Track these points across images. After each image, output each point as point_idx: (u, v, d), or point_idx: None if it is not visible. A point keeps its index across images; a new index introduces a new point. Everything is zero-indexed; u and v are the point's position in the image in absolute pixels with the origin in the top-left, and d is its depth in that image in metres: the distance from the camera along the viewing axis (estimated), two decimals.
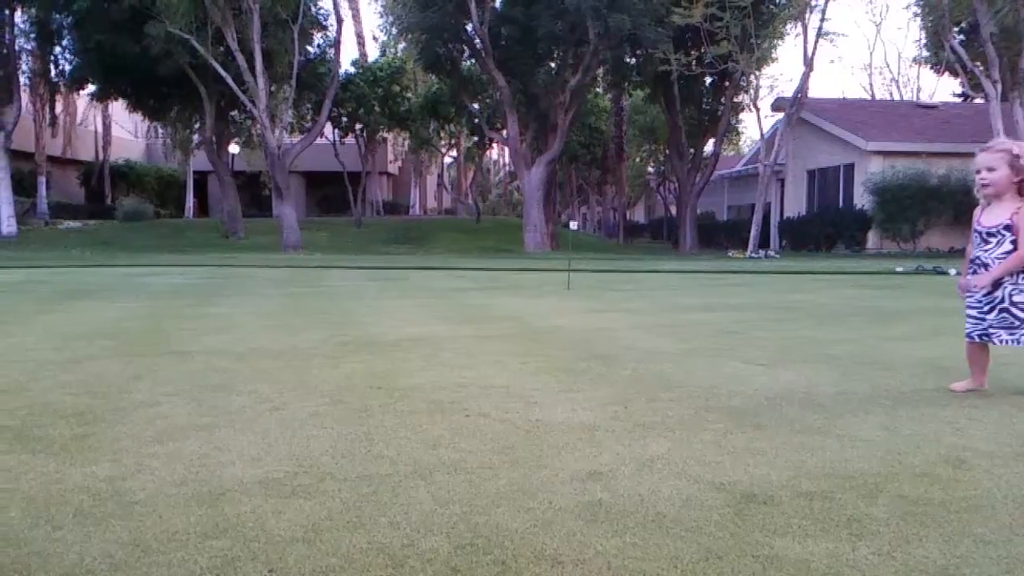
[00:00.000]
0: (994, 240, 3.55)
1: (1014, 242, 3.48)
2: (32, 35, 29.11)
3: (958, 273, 3.33)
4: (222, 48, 24.22)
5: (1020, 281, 3.50)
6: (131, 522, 2.07)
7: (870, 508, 2.19)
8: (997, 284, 3.55)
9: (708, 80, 29.37)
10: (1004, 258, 3.51)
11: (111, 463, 2.59)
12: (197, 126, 32.16)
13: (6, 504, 2.21)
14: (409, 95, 35.06)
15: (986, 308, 3.62)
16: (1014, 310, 3.52)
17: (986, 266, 3.59)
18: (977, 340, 3.65)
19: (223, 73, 24.05)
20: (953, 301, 8.60)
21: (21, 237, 26.87)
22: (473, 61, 28.37)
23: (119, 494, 2.29)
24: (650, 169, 46.04)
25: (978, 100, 26.41)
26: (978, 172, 3.55)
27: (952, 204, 22.41)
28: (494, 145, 41.98)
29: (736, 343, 5.38)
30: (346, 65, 34.36)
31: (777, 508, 2.18)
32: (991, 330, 3.60)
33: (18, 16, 28.47)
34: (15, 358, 4.65)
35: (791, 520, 2.10)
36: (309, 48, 29.17)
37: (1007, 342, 3.57)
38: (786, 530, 2.03)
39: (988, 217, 3.60)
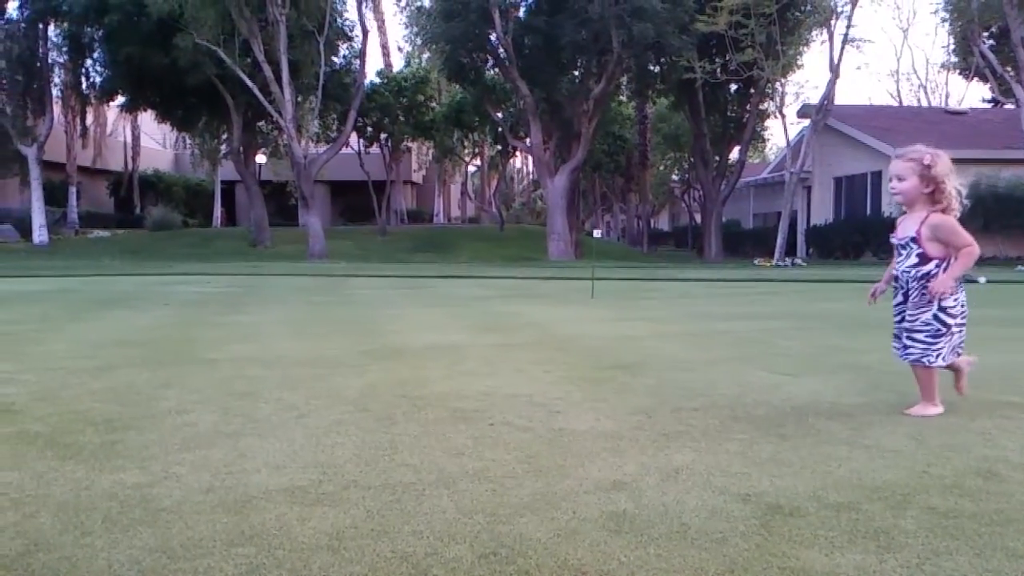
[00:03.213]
0: (904, 252, 3.41)
1: (920, 255, 3.33)
2: (64, 48, 29.69)
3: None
4: (249, 59, 24.52)
5: (917, 297, 3.36)
6: (158, 529, 2.10)
7: (898, 520, 2.16)
8: (907, 297, 3.42)
9: (733, 87, 29.25)
10: (910, 271, 3.37)
11: (139, 470, 2.62)
12: (224, 136, 32.56)
13: (37, 510, 2.24)
14: (433, 105, 35.23)
15: (896, 317, 3.52)
16: (905, 324, 3.41)
17: (896, 279, 3.48)
18: (894, 349, 3.56)
19: (250, 84, 24.34)
20: (981, 310, 8.47)
21: (52, 246, 27.34)
22: (497, 70, 28.44)
23: (147, 501, 2.32)
24: (674, 177, 45.84)
25: (1008, 106, 26.03)
26: (890, 180, 3.42)
27: (981, 212, 22.09)
28: (518, 154, 42.01)
29: (762, 352, 5.34)
30: (371, 75, 34.59)
31: (803, 519, 2.16)
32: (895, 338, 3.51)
33: (51, 30, 29.06)
34: (47, 366, 4.72)
35: (818, 532, 2.07)
36: (335, 59, 29.43)
37: (896, 350, 3.49)
38: (812, 542, 2.01)
39: (900, 228, 3.46)
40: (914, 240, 3.35)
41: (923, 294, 3.34)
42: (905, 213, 3.50)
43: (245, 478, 2.54)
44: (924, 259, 3.33)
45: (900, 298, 3.48)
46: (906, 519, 2.16)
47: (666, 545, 1.99)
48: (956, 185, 3.31)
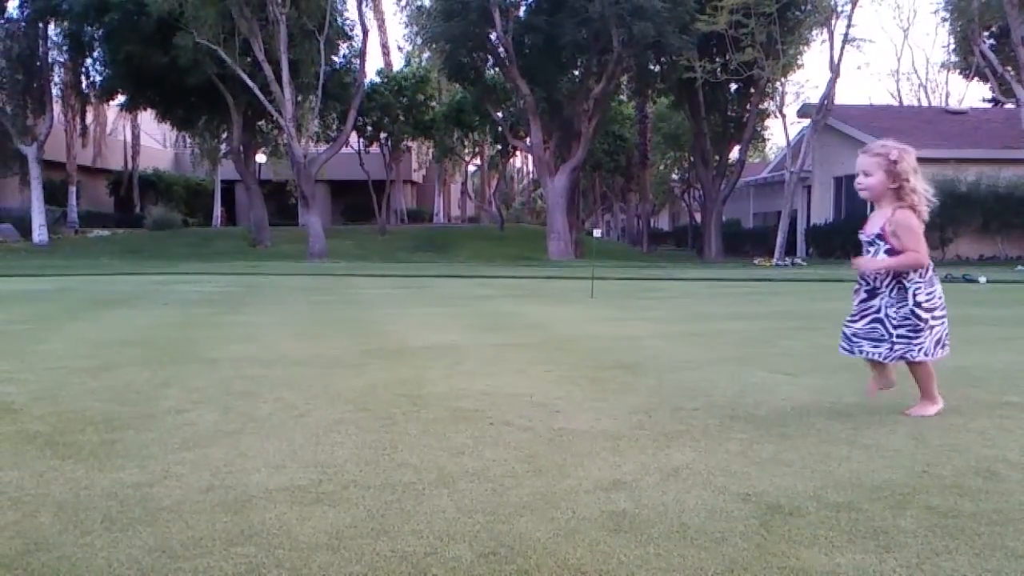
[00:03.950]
0: (872, 249, 3.39)
1: (888, 251, 3.31)
2: (64, 47, 29.66)
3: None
4: (249, 59, 24.50)
5: (894, 295, 3.33)
6: (158, 528, 2.10)
7: (898, 520, 2.16)
8: (874, 294, 3.39)
9: (733, 87, 29.22)
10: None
11: (139, 469, 2.62)
12: (225, 136, 32.53)
13: (36, 509, 2.24)
14: (433, 104, 35.22)
15: (857, 316, 3.45)
16: (886, 322, 3.34)
17: (863, 275, 3.45)
18: (842, 348, 3.51)
19: (250, 83, 24.32)
20: (982, 309, 8.48)
21: (52, 245, 27.32)
22: (497, 70, 28.42)
23: (146, 500, 2.32)
24: (674, 176, 45.81)
25: (1009, 105, 26.03)
26: (857, 175, 3.39)
27: (981, 211, 22.14)
28: (518, 153, 41.98)
29: (762, 352, 5.34)
30: (371, 75, 34.55)
31: (803, 519, 2.16)
32: (855, 339, 3.44)
33: (51, 29, 29.05)
34: (46, 365, 4.72)
35: (817, 531, 2.07)
36: (335, 58, 29.38)
37: (868, 354, 3.41)
38: (812, 542, 2.01)
39: (868, 225, 3.44)
40: (880, 237, 3.34)
41: (897, 290, 3.33)
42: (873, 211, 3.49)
43: (245, 477, 2.54)
44: (892, 255, 3.31)
45: (864, 295, 3.44)
46: (906, 519, 2.16)
47: (666, 545, 1.99)
48: (923, 186, 3.29)
